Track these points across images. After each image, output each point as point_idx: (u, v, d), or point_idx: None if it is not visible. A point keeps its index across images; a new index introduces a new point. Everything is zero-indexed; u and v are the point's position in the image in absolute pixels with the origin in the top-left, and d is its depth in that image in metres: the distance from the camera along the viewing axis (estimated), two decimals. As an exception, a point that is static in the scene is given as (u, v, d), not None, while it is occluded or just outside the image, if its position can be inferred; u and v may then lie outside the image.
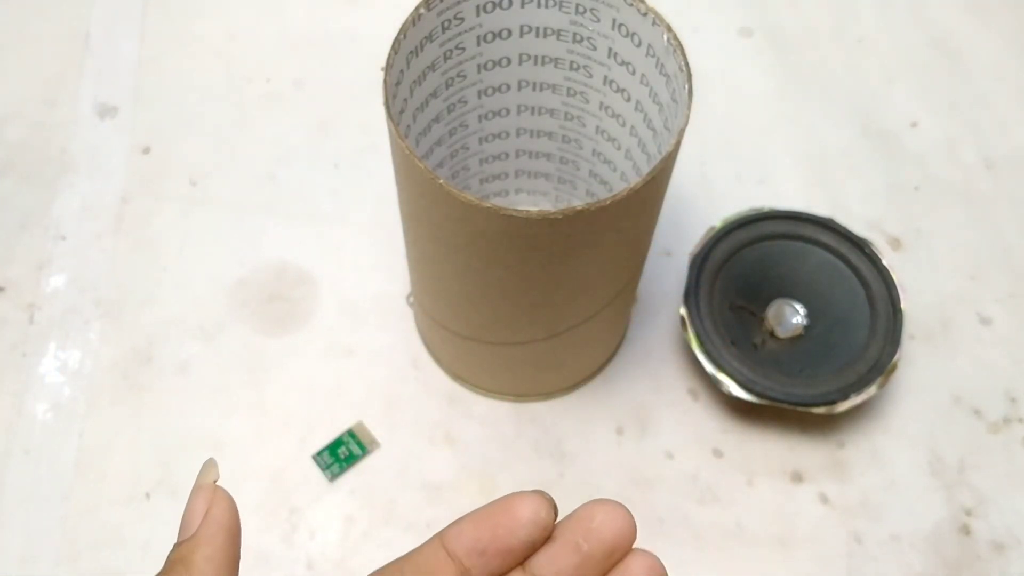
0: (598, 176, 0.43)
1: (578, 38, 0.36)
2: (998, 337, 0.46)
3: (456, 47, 0.36)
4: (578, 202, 0.41)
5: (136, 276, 0.47)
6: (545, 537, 0.23)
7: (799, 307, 0.43)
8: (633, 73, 0.36)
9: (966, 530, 0.42)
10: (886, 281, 0.43)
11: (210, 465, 0.24)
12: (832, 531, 0.42)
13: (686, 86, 0.32)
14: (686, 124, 0.31)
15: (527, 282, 0.33)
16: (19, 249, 0.47)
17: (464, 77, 0.38)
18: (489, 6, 0.35)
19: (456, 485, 0.42)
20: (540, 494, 0.24)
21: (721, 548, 0.41)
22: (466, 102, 0.39)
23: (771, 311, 0.43)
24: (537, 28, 0.36)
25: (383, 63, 0.33)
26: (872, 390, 0.41)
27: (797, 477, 0.43)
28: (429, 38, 0.34)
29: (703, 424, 0.44)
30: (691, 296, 0.43)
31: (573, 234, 0.30)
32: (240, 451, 0.43)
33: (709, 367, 0.42)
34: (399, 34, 0.32)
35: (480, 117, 0.41)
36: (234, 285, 0.46)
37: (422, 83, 0.36)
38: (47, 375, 0.44)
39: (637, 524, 0.23)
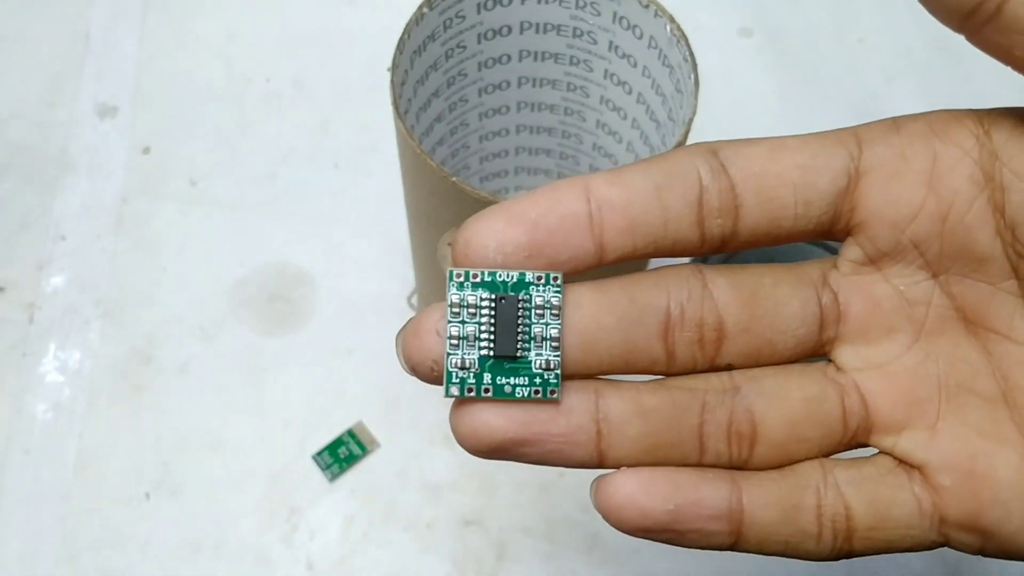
0: (599, 171, 0.43)
1: (578, 32, 0.36)
2: (999, 336, 0.46)
3: (457, 45, 0.36)
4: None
5: (136, 276, 0.46)
6: None
7: (800, 306, 0.43)
8: (635, 66, 0.36)
9: (968, 529, 0.42)
10: (887, 280, 0.43)
11: None
12: (834, 530, 0.41)
13: (691, 76, 0.32)
14: (694, 114, 0.31)
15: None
16: (19, 249, 0.47)
17: (465, 75, 0.38)
18: (490, 3, 0.35)
19: (456, 485, 0.42)
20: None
21: (722, 548, 0.41)
22: (467, 100, 0.39)
23: (772, 310, 0.43)
24: (537, 24, 0.36)
25: (384, 63, 0.33)
26: (873, 389, 0.41)
27: (798, 476, 0.43)
28: (431, 37, 0.34)
29: (704, 423, 0.43)
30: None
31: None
32: (240, 451, 0.43)
33: (710, 366, 0.41)
34: (403, 34, 0.32)
35: (481, 115, 0.41)
36: (234, 285, 0.46)
37: (425, 82, 0.36)
38: (47, 375, 0.44)
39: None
